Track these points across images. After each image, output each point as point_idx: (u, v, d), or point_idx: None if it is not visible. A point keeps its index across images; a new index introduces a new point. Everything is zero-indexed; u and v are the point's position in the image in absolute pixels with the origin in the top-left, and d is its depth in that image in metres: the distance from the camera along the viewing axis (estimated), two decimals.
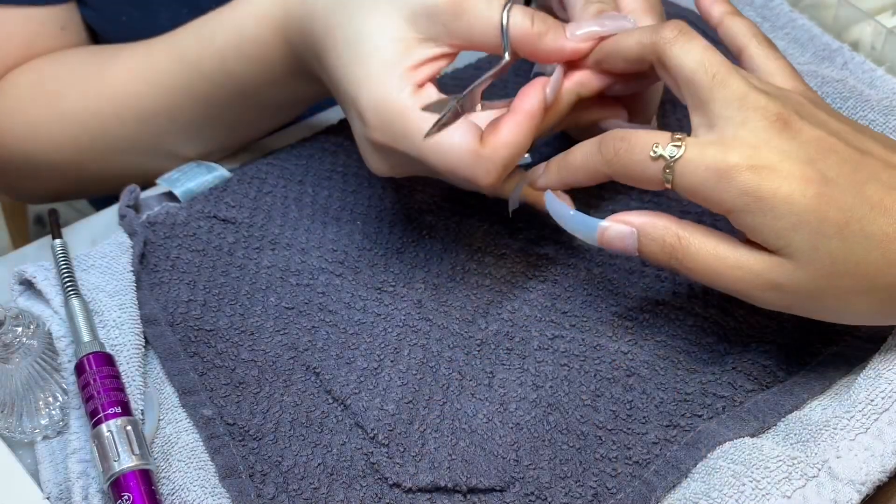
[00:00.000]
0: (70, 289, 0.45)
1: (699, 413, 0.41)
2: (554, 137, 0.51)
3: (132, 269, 0.47)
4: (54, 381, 0.43)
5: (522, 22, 0.41)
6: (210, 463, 0.41)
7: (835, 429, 0.38)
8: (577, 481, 0.39)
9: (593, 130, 0.45)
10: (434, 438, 0.41)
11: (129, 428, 0.40)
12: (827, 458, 0.37)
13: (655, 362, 0.43)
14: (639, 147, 0.39)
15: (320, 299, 0.46)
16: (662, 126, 0.53)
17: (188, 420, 0.42)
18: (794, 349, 0.43)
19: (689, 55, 0.39)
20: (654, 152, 0.38)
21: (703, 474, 0.39)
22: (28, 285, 0.47)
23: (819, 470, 0.37)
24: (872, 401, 0.38)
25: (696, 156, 0.37)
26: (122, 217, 0.50)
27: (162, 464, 0.41)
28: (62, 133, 0.54)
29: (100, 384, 0.41)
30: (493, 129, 0.41)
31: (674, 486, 0.39)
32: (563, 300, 0.46)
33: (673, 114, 0.54)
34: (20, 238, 0.91)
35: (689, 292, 0.46)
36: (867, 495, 0.37)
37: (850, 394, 0.39)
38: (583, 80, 0.43)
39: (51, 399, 0.43)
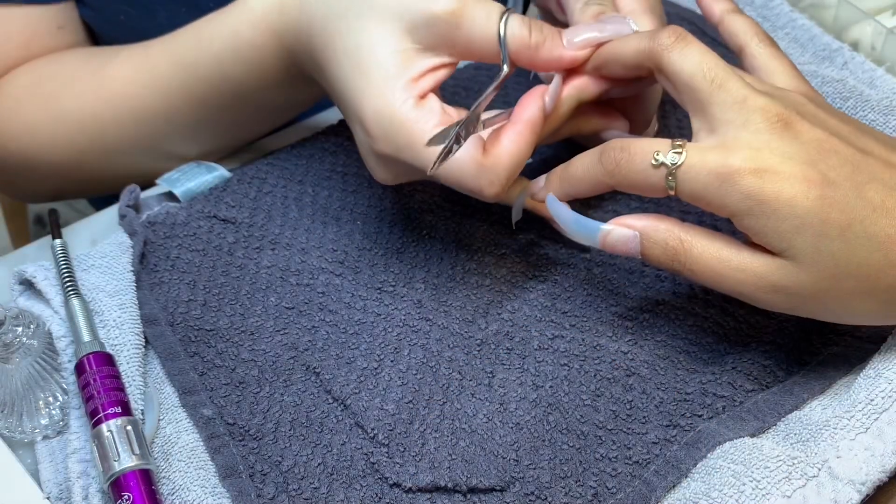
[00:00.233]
0: (70, 289, 0.45)
1: (699, 413, 0.41)
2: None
3: (132, 268, 0.47)
4: (54, 381, 0.43)
5: (520, 32, 0.41)
6: (210, 463, 0.41)
7: (835, 428, 0.38)
8: (577, 481, 0.39)
9: (596, 139, 0.45)
10: (434, 438, 0.41)
11: (129, 428, 0.40)
12: (827, 457, 0.37)
13: (655, 362, 0.43)
14: (640, 156, 0.39)
15: (320, 299, 0.46)
16: (663, 127, 0.53)
17: (188, 420, 0.42)
18: (794, 349, 0.43)
19: (686, 60, 0.39)
20: (656, 160, 0.38)
21: (703, 474, 0.39)
22: (28, 285, 0.47)
23: (819, 470, 0.37)
24: (872, 400, 0.38)
25: (698, 161, 0.37)
26: (122, 217, 0.50)
27: (162, 464, 0.41)
28: (59, 134, 0.55)
29: (100, 384, 0.41)
30: (495, 140, 0.41)
31: (674, 486, 0.39)
32: (563, 300, 0.46)
33: (673, 114, 0.54)
34: (20, 238, 0.91)
35: (690, 292, 0.46)
36: (867, 495, 0.37)
37: (850, 393, 0.39)
38: (582, 86, 0.43)
39: (51, 399, 0.43)
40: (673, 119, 0.54)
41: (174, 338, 0.45)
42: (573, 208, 0.42)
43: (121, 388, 0.42)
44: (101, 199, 0.74)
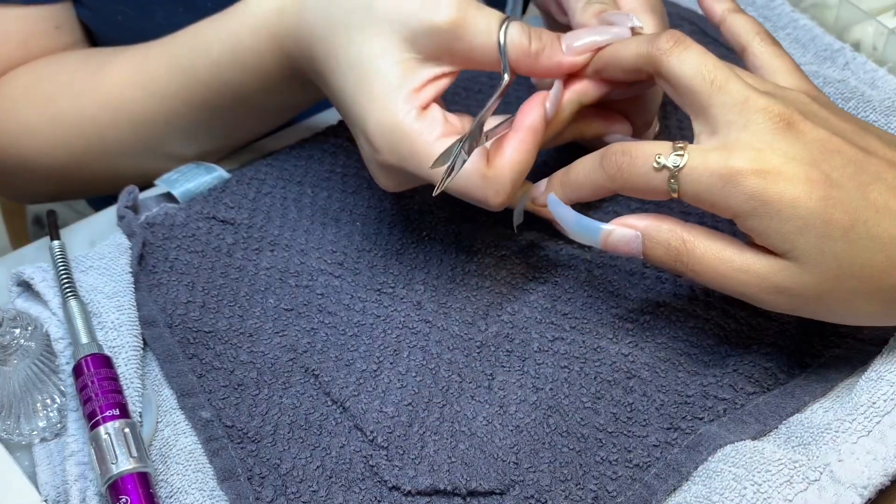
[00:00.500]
0: (68, 290, 0.45)
1: (700, 416, 0.41)
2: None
3: (131, 270, 0.47)
4: (52, 383, 0.43)
5: (520, 41, 0.41)
6: (208, 465, 0.41)
7: (836, 432, 0.38)
8: (577, 484, 0.39)
9: (599, 143, 0.45)
10: (433, 441, 0.41)
11: (127, 430, 0.40)
12: (829, 461, 0.37)
13: (656, 364, 0.43)
14: (641, 159, 0.39)
15: (319, 301, 0.46)
16: (664, 128, 0.53)
17: (186, 422, 0.42)
18: (796, 351, 0.43)
19: (685, 64, 0.39)
20: (658, 163, 0.38)
21: (703, 477, 0.38)
22: (26, 287, 0.47)
23: (821, 473, 0.36)
24: (874, 403, 0.38)
25: (700, 163, 0.37)
26: (120, 218, 0.50)
27: (160, 466, 0.41)
28: (57, 136, 0.54)
29: (98, 386, 0.41)
30: (498, 150, 0.41)
31: (674, 490, 0.39)
32: (564, 302, 0.46)
33: (675, 115, 0.54)
34: (19, 239, 0.91)
35: (691, 294, 0.46)
36: (869, 499, 0.37)
37: (852, 396, 0.39)
38: (582, 91, 0.43)
39: (48, 401, 0.43)
40: (674, 120, 0.54)
41: (172, 339, 0.45)
42: (573, 209, 0.42)
43: (119, 391, 0.41)
44: (100, 200, 0.74)
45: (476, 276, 0.47)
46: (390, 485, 0.40)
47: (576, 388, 0.43)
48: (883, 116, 0.52)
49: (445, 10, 0.40)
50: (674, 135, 0.53)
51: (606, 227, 0.40)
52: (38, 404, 0.43)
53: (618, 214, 0.44)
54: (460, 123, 0.42)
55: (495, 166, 0.41)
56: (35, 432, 0.43)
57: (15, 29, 0.56)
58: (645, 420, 0.41)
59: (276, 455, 0.41)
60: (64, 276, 0.46)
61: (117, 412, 0.40)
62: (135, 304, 0.46)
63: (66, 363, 0.43)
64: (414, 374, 0.43)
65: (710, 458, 0.39)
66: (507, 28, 0.41)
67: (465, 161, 0.40)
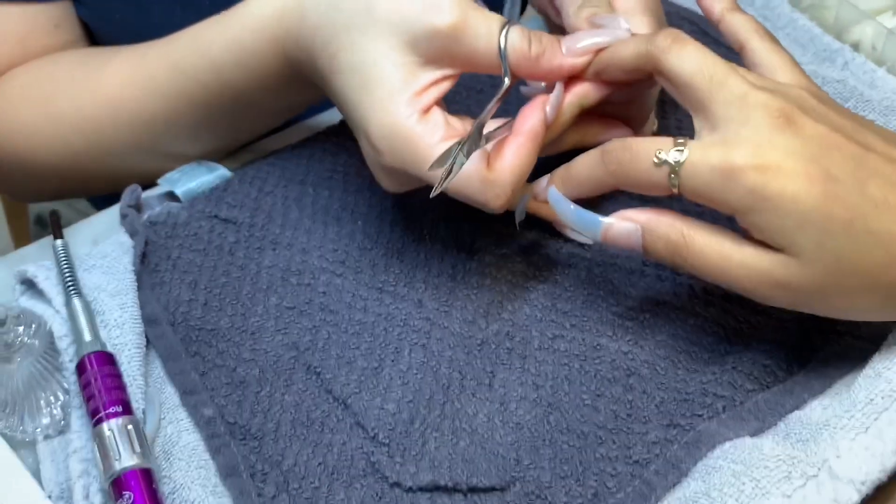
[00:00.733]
0: (71, 288, 0.45)
1: (699, 413, 0.41)
2: None
3: (133, 268, 0.47)
4: (55, 381, 0.43)
5: (520, 45, 0.41)
6: (211, 462, 0.41)
7: (835, 428, 0.38)
8: (577, 481, 0.40)
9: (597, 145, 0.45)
10: (434, 438, 0.41)
11: (130, 427, 0.40)
12: (827, 457, 0.37)
13: (656, 362, 0.43)
14: (642, 154, 0.39)
15: (321, 299, 0.47)
16: (662, 128, 0.53)
17: (189, 419, 0.43)
18: (795, 349, 0.43)
19: (685, 61, 0.39)
20: (658, 159, 0.38)
21: (702, 473, 0.39)
22: (30, 285, 0.47)
23: (819, 469, 0.37)
24: (872, 400, 0.38)
25: (701, 158, 0.38)
26: (123, 217, 0.50)
27: (163, 463, 0.41)
28: (56, 135, 0.55)
29: (101, 383, 0.41)
30: (498, 154, 0.41)
31: (673, 486, 0.39)
32: (564, 300, 0.46)
33: (673, 115, 0.54)
34: (21, 238, 0.91)
35: (690, 293, 0.46)
36: (867, 495, 0.37)
37: (850, 393, 0.39)
38: (583, 93, 0.44)
39: (52, 398, 0.43)
40: (673, 119, 0.54)
41: (175, 338, 0.45)
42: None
43: (122, 388, 0.42)
44: (102, 199, 0.74)
45: (477, 274, 0.48)
46: (391, 481, 0.40)
47: (576, 386, 0.43)
48: (882, 116, 0.52)
49: (447, 13, 0.41)
50: (672, 134, 0.53)
51: (606, 220, 0.40)
52: (42, 402, 0.43)
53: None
54: (462, 126, 0.43)
55: (495, 169, 0.41)
56: (38, 430, 0.43)
57: (14, 27, 0.57)
58: (645, 417, 0.41)
59: (278, 452, 0.41)
60: (67, 275, 0.46)
61: (120, 409, 0.41)
62: (137, 302, 0.46)
63: (69, 361, 0.43)
64: (415, 372, 0.44)
65: (709, 455, 0.39)
66: (507, 32, 0.41)
67: (463, 163, 0.40)
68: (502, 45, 0.41)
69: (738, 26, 0.43)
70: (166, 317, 0.46)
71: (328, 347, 0.45)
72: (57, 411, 0.43)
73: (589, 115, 0.45)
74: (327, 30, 0.43)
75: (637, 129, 0.47)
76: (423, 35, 0.41)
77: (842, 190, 0.36)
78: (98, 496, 0.39)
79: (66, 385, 0.43)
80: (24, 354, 0.42)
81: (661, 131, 0.53)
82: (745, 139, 0.37)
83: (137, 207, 0.51)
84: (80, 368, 0.42)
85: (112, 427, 0.40)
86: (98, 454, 0.39)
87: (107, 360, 0.42)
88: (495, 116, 0.43)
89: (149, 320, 0.46)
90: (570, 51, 0.43)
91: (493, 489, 0.40)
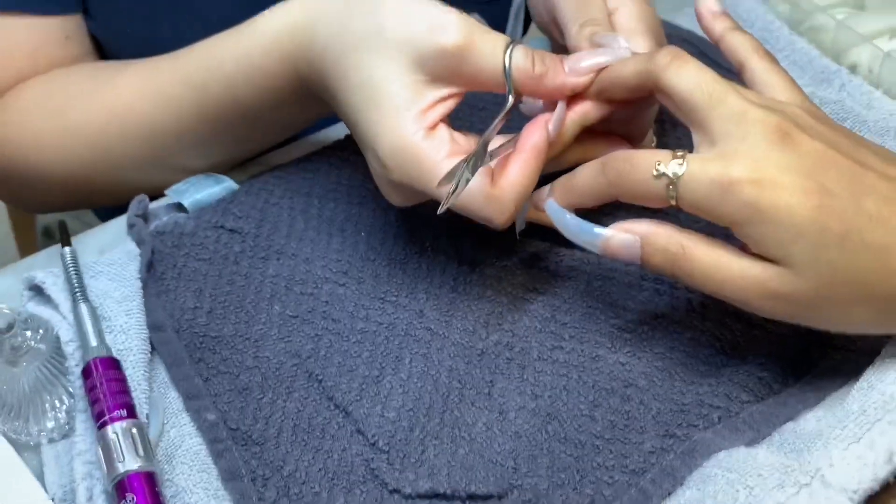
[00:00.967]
0: (79, 294, 0.46)
1: (695, 423, 0.42)
2: None
3: (140, 276, 0.48)
4: (61, 385, 0.44)
5: (524, 64, 0.42)
6: (213, 466, 0.42)
7: (828, 438, 0.38)
8: (574, 489, 0.40)
9: None
10: (434, 445, 0.41)
11: (134, 430, 0.41)
12: (820, 466, 0.37)
13: (653, 373, 0.44)
14: (642, 166, 0.40)
15: (324, 308, 0.47)
16: (661, 145, 0.54)
17: (192, 424, 0.43)
18: (790, 362, 0.44)
19: (684, 78, 0.40)
20: (657, 171, 0.39)
21: (697, 482, 0.39)
22: (37, 291, 0.48)
23: (812, 478, 0.37)
24: (865, 411, 0.38)
25: (699, 171, 0.38)
26: (130, 226, 0.51)
27: (166, 467, 0.42)
28: (66, 147, 0.55)
29: (106, 387, 0.42)
30: (502, 171, 0.42)
31: (669, 494, 0.39)
32: (563, 312, 0.47)
33: (673, 133, 0.55)
34: (28, 251, 0.92)
35: (688, 306, 0.47)
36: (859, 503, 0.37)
37: (844, 405, 0.40)
38: (584, 111, 0.44)
39: (57, 402, 0.44)
40: (672, 137, 0.55)
41: (180, 344, 0.46)
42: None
43: (126, 392, 0.42)
44: (107, 212, 0.75)
45: (477, 286, 0.48)
46: (391, 488, 0.40)
47: (574, 396, 0.43)
48: (878, 136, 0.53)
49: (453, 34, 0.42)
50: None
51: (606, 231, 0.41)
52: (47, 405, 0.44)
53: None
54: (466, 142, 0.44)
55: (499, 186, 0.42)
56: (43, 433, 0.44)
57: (25, 38, 0.57)
58: (641, 427, 0.42)
59: (279, 457, 0.41)
60: (75, 281, 0.47)
61: (125, 413, 0.41)
62: (143, 309, 0.47)
63: (75, 365, 0.44)
64: (415, 381, 0.44)
65: (704, 464, 0.40)
66: (511, 52, 0.42)
67: (468, 180, 0.41)
68: (507, 65, 0.42)
69: (738, 45, 0.44)
70: (171, 323, 0.47)
71: (330, 355, 0.45)
72: (62, 415, 0.44)
73: (590, 132, 0.46)
74: (337, 48, 0.44)
75: (636, 145, 0.48)
76: (430, 54, 0.42)
77: (837, 203, 0.37)
78: (101, 498, 0.40)
79: (71, 389, 0.44)
80: (30, 358, 0.43)
81: (660, 147, 0.53)
82: (743, 154, 0.38)
83: (145, 217, 0.52)
84: (86, 372, 0.43)
85: (116, 430, 0.40)
86: (102, 457, 0.40)
87: (112, 364, 0.43)
88: (499, 133, 0.44)
89: (154, 327, 0.46)
90: (573, 70, 0.44)
91: (490, 496, 0.40)
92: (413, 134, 0.42)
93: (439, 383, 0.44)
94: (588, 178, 0.42)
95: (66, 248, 0.49)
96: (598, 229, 0.41)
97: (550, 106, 0.45)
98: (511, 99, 0.43)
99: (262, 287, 0.48)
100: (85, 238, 0.54)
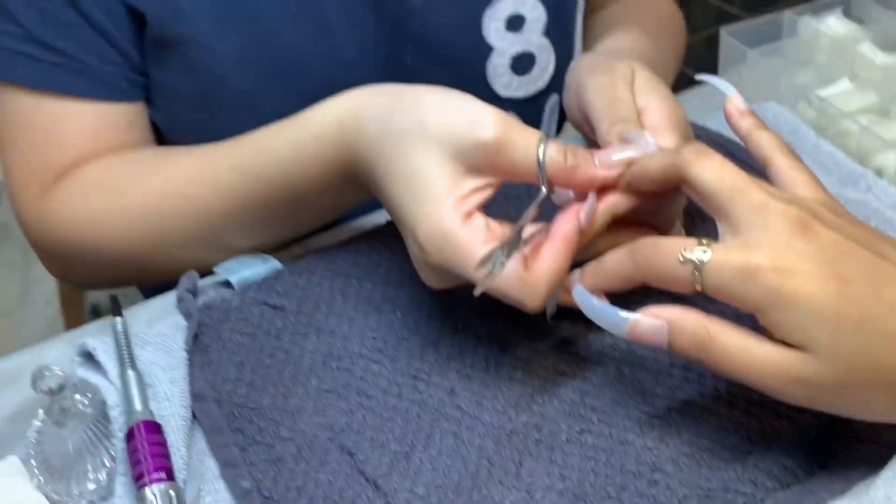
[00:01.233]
0: (127, 361, 0.48)
1: None
2: None
3: (186, 347, 0.50)
4: (104, 448, 0.46)
5: (557, 157, 0.45)
6: None
7: None
8: None
9: None
10: None
11: (172, 493, 0.42)
12: None
13: (680, 459, 0.44)
14: (668, 252, 0.42)
15: (358, 384, 0.49)
16: (690, 236, 0.55)
17: (227, 491, 0.44)
18: (816, 452, 0.44)
19: (708, 172, 0.42)
20: (683, 257, 0.41)
21: None
22: (88, 357, 0.50)
23: None
24: (890, 498, 0.38)
25: (723, 258, 0.40)
26: (179, 300, 0.54)
27: None
28: (121, 226, 0.58)
29: (147, 450, 0.43)
30: (535, 257, 0.44)
31: None
32: (593, 396, 0.48)
33: (702, 225, 0.57)
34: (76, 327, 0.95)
35: (715, 394, 0.47)
36: None
37: (869, 492, 0.40)
38: (614, 202, 0.47)
39: (99, 464, 0.45)
40: (701, 230, 0.57)
41: (219, 413, 0.48)
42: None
43: (166, 456, 0.44)
44: (152, 290, 0.77)
45: (508, 367, 0.50)
46: None
47: (601, 479, 0.44)
48: None
49: (490, 129, 0.45)
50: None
51: (633, 316, 0.43)
52: (90, 467, 0.45)
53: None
54: (501, 230, 0.46)
55: (533, 272, 0.44)
56: (84, 495, 0.45)
57: (91, 122, 0.61)
58: None
59: None
60: (124, 349, 0.49)
61: (164, 475, 0.43)
62: (187, 378, 0.49)
63: (119, 430, 0.46)
64: (445, 458, 0.45)
65: None
66: (545, 146, 0.45)
67: (503, 264, 0.43)
68: (541, 158, 0.45)
69: (764, 143, 0.46)
70: (212, 393, 0.48)
71: (363, 430, 0.47)
72: (103, 477, 0.45)
73: (620, 222, 0.48)
74: (382, 140, 0.47)
75: (664, 235, 0.50)
76: (468, 148, 0.45)
77: (855, 292, 0.38)
78: None
79: (113, 453, 0.46)
80: (77, 421, 0.45)
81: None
82: (765, 243, 0.40)
83: (194, 293, 0.54)
84: (130, 435, 0.44)
85: (155, 491, 0.42)
86: None
87: (154, 428, 0.45)
88: (533, 221, 0.46)
89: (196, 396, 0.48)
90: (603, 163, 0.46)
91: None
92: (451, 221, 0.44)
93: (468, 461, 0.45)
94: (617, 262, 0.44)
95: (118, 318, 0.51)
96: (625, 314, 0.43)
97: (581, 196, 0.47)
98: (544, 190, 0.46)
99: (300, 362, 0.50)
100: (135, 310, 0.56)
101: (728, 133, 0.50)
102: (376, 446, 0.46)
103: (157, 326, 0.52)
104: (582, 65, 0.57)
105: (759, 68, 0.70)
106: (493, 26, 0.63)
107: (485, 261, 0.43)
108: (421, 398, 0.48)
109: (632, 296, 0.45)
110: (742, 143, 0.48)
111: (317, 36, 0.60)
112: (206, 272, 0.57)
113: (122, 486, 0.44)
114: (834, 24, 0.71)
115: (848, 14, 0.73)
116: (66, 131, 0.60)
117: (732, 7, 1.66)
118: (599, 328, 0.45)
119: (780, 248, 0.39)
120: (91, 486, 0.45)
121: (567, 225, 0.45)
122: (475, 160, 0.45)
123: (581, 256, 0.47)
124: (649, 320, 0.42)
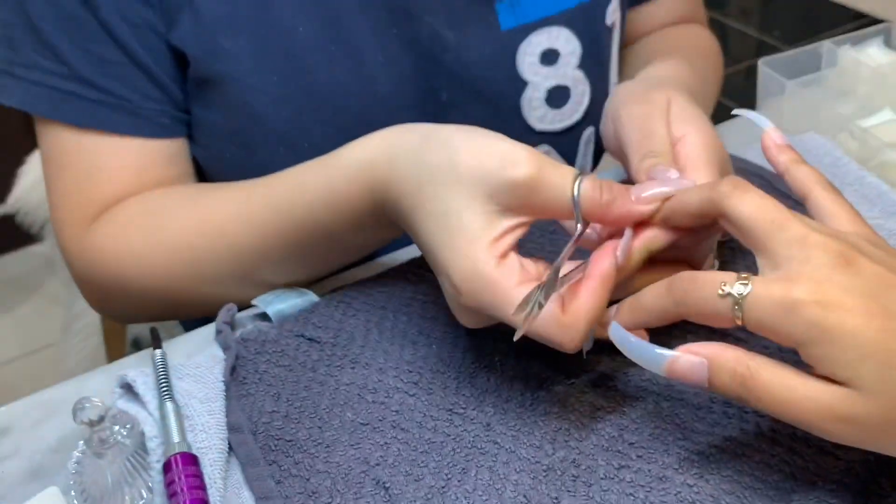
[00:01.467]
0: (165, 393, 0.48)
1: None
2: None
3: (223, 379, 0.50)
4: (142, 479, 0.46)
5: (592, 193, 0.45)
6: None
7: None
8: None
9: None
10: None
11: None
12: None
13: (720, 496, 0.43)
14: (707, 286, 0.41)
15: (394, 417, 0.49)
16: (727, 270, 0.55)
17: None
18: (862, 491, 0.43)
19: (746, 205, 0.42)
20: (723, 290, 0.40)
21: None
22: (128, 389, 0.51)
23: None
24: None
25: (763, 292, 0.39)
26: (217, 333, 0.54)
27: None
28: (158, 261, 0.59)
29: (184, 482, 0.44)
30: (572, 298, 0.44)
31: None
32: (631, 432, 0.47)
33: (742, 260, 0.56)
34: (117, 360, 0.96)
35: (757, 430, 0.46)
36: None
37: None
38: (651, 238, 0.46)
39: (136, 496, 0.46)
40: (742, 265, 0.56)
41: (255, 445, 0.48)
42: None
43: (202, 488, 0.44)
44: (193, 322, 0.78)
45: (545, 402, 0.49)
46: None
47: None
48: None
49: (523, 168, 0.45)
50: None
51: (671, 353, 0.42)
52: (127, 498, 0.46)
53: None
54: (535, 269, 0.46)
55: (570, 312, 0.44)
56: None
57: (134, 158, 0.62)
58: None
59: None
60: (163, 381, 0.49)
61: None
62: (224, 410, 0.49)
63: (156, 461, 0.46)
64: (480, 493, 0.45)
65: None
66: (580, 183, 0.45)
67: (542, 306, 0.43)
68: (575, 194, 0.45)
69: (803, 177, 0.46)
70: (249, 426, 0.49)
71: (398, 464, 0.46)
72: None
73: (653, 259, 0.47)
74: (414, 180, 0.47)
75: (698, 266, 0.49)
76: (501, 187, 0.45)
77: None
78: None
79: (150, 484, 0.46)
80: (116, 452, 0.45)
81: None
82: (807, 276, 0.39)
83: (232, 325, 0.55)
84: (167, 467, 0.45)
85: None
86: None
87: (191, 460, 0.45)
88: (569, 258, 0.46)
89: (233, 427, 0.48)
90: (639, 199, 0.46)
91: None
92: (486, 262, 0.44)
93: (504, 497, 0.44)
94: (654, 297, 0.43)
95: (157, 351, 0.52)
96: (663, 351, 0.42)
97: (618, 233, 0.46)
98: (579, 227, 0.45)
99: (336, 394, 0.50)
100: (174, 343, 0.57)
101: (768, 165, 0.49)
102: (411, 480, 0.46)
103: (196, 358, 0.53)
104: (620, 94, 0.57)
105: (799, 99, 0.69)
106: (527, 61, 0.64)
107: (524, 304, 0.43)
108: (457, 432, 0.48)
109: (671, 332, 0.44)
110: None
111: (352, 72, 0.61)
112: (244, 306, 0.58)
113: None
114: (875, 54, 0.71)
115: (888, 43, 0.72)
116: (109, 167, 0.61)
117: (772, 38, 1.65)
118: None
119: (822, 281, 0.39)
120: None
121: (604, 263, 0.45)
122: (509, 200, 0.45)
123: (617, 295, 0.47)
124: (688, 357, 0.41)
